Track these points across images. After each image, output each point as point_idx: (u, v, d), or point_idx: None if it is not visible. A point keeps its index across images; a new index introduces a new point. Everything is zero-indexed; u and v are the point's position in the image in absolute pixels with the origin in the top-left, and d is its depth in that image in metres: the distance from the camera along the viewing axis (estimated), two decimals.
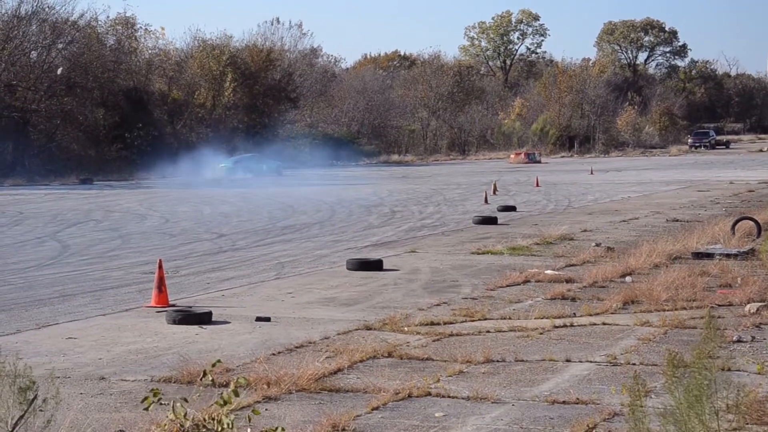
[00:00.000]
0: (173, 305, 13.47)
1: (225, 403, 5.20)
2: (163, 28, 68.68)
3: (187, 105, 67.82)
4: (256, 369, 9.50)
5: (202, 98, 69.04)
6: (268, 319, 12.48)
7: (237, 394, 5.26)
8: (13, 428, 5.62)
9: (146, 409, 5.45)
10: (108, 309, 13.61)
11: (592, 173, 52.00)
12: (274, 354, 10.48)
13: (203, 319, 12.34)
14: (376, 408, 8.35)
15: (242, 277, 16.64)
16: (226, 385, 5.39)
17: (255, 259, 19.33)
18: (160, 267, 13.71)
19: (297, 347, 10.83)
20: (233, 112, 70.25)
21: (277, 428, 5.34)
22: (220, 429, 5.15)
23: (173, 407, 5.32)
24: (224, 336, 11.58)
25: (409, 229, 25.09)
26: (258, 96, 71.77)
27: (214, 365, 5.88)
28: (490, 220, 25.70)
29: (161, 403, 5.41)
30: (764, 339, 10.88)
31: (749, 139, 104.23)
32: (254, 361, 9.97)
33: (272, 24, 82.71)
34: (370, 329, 11.82)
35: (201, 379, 5.68)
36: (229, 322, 12.40)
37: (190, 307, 13.26)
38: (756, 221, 20.43)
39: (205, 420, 5.21)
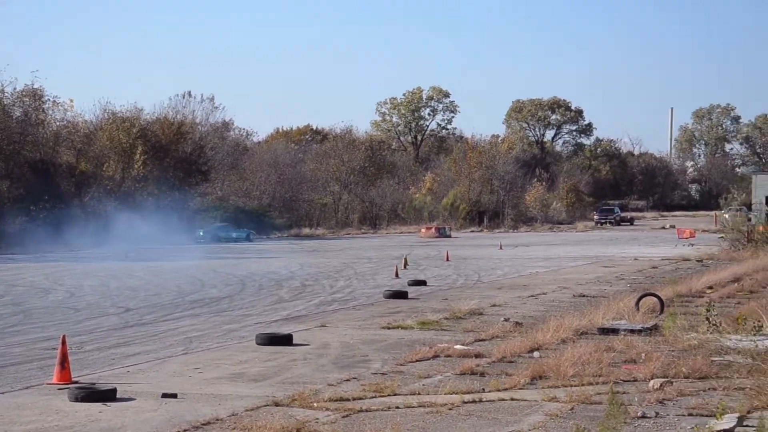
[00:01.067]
0: (76, 382, 13.13)
1: None
2: (71, 100, 68.23)
3: (96, 177, 66.99)
4: None
5: (111, 170, 68.30)
6: (174, 396, 12.24)
7: None
8: None
9: None
10: (7, 387, 13.21)
11: (501, 248, 52.63)
12: None
13: (107, 396, 12.05)
14: None
15: (149, 353, 16.33)
16: None
17: (162, 333, 19.01)
18: (64, 342, 13.39)
19: (204, 424, 10.64)
20: (143, 185, 69.58)
21: None
22: None
23: None
24: (129, 413, 11.31)
25: (319, 303, 24.99)
26: (168, 168, 71.29)
27: None
28: (401, 295, 25.76)
29: None
30: (668, 415, 11.04)
31: (652, 216, 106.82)
32: None
33: (184, 97, 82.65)
34: (279, 405, 11.69)
35: None
36: (134, 399, 12.13)
37: (94, 383, 12.94)
38: (659, 297, 20.85)
39: None
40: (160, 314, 22.60)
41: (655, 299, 20.76)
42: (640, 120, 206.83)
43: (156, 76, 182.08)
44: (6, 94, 64.97)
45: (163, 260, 44.64)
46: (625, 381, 12.98)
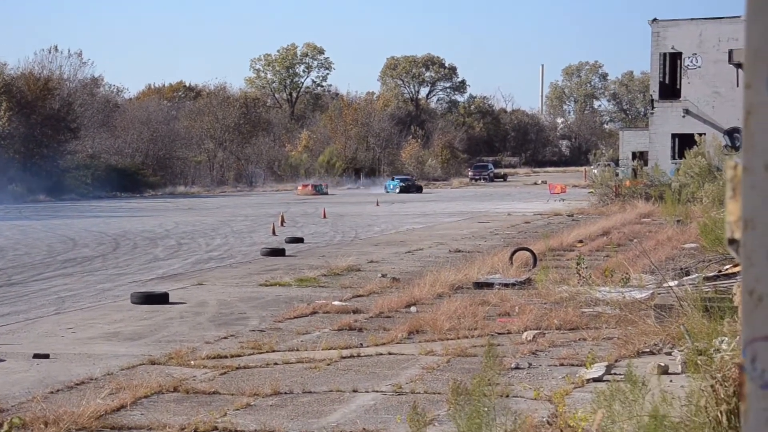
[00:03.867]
0: None
1: None
2: None
3: None
4: (32, 408, 9.08)
5: None
6: (46, 356, 11.97)
7: None
8: None
9: None
10: None
11: (378, 205, 52.93)
12: (52, 392, 10.06)
13: None
14: None
15: (18, 313, 15.91)
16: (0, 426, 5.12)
17: (32, 294, 18.52)
18: None
19: (78, 384, 10.45)
20: (8, 142, 67.35)
21: None
22: None
23: None
24: None
25: (196, 261, 24.73)
26: (35, 126, 69.14)
27: None
28: (278, 252, 25.69)
29: None
30: (540, 365, 11.35)
31: (525, 172, 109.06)
32: (31, 400, 9.54)
33: (50, 52, 79.92)
34: (156, 364, 11.55)
35: None
36: (4, 360, 11.82)
37: None
38: (532, 252, 21.33)
39: None
40: (29, 274, 22.01)
41: (528, 253, 21.24)
42: (513, 77, 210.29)
43: (20, 30, 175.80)
44: None
45: (32, 219, 43.41)
46: (499, 333, 13.26)
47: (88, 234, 33.77)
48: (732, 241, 1.93)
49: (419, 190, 75.90)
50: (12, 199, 60.97)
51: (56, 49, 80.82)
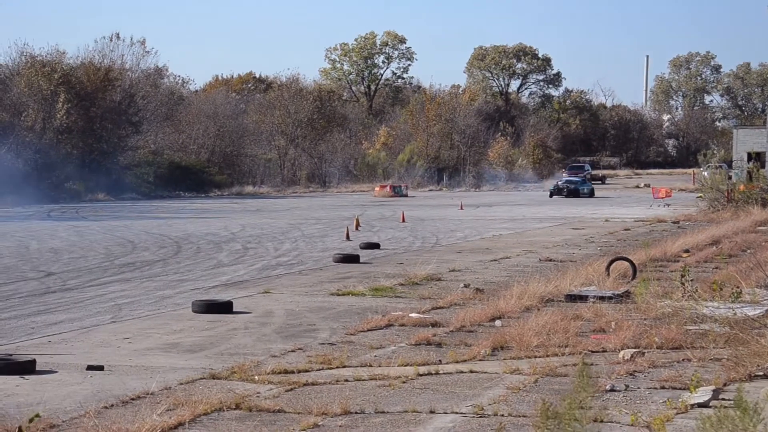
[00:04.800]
0: None
1: None
2: None
3: (13, 127, 66.01)
4: (84, 424, 9.24)
5: (31, 120, 67.34)
6: (101, 368, 12.17)
7: None
8: None
9: None
10: None
11: (461, 208, 52.84)
12: (106, 407, 10.22)
13: (25, 368, 11.95)
14: None
15: (73, 321, 16.22)
16: None
17: (88, 300, 18.87)
18: None
19: (133, 399, 10.60)
20: (66, 137, 68.78)
21: None
22: None
23: None
24: (49, 387, 11.24)
25: (263, 267, 24.95)
26: (95, 119, 70.50)
27: (32, 420, 5.69)
28: (352, 258, 25.78)
29: None
30: (638, 388, 11.18)
31: (626, 174, 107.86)
32: (83, 415, 9.71)
33: (111, 40, 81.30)
34: (217, 378, 11.67)
35: None
36: (56, 372, 12.05)
37: (11, 355, 12.82)
38: (631, 262, 21.07)
39: None
40: (85, 279, 22.43)
41: (626, 264, 20.97)
42: (613, 70, 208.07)
43: (80, 16, 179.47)
44: None
45: (90, 220, 44.27)
46: (593, 352, 13.12)
47: (148, 236, 34.30)
48: None
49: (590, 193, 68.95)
50: (69, 197, 62.34)
51: (118, 37, 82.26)
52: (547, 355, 12.80)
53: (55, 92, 67.79)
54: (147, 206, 57.19)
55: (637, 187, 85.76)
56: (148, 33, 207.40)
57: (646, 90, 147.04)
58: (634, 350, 12.84)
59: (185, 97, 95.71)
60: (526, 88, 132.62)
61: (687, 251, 26.40)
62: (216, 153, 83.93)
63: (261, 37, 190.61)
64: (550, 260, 25.69)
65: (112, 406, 10.30)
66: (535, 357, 12.71)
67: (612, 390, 11.00)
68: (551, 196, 67.84)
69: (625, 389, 11.07)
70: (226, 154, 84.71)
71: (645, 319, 15.33)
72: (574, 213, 48.79)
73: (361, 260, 25.83)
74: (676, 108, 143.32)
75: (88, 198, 63.65)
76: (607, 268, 20.49)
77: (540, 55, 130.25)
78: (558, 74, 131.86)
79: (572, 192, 67.77)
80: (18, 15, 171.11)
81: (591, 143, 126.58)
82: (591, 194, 68.46)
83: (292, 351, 13.45)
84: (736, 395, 6.89)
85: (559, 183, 71.18)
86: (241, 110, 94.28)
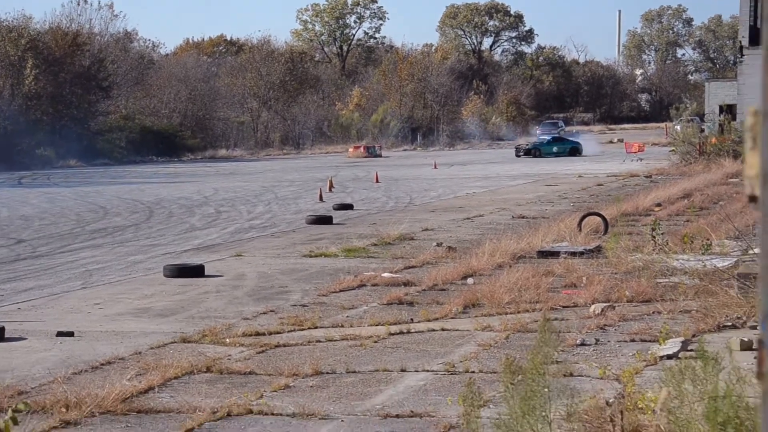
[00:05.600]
0: None
1: None
2: None
3: None
4: (54, 390, 9.22)
5: None
6: (71, 334, 12.14)
7: (15, 422, 5.04)
8: None
9: None
10: None
11: (435, 167, 52.81)
12: (76, 373, 10.20)
13: None
14: (191, 429, 8.24)
15: (42, 288, 16.15)
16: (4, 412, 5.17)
17: (58, 267, 18.79)
18: None
19: (103, 364, 10.57)
20: (36, 103, 68.18)
21: None
22: None
23: None
24: (18, 354, 11.20)
25: (235, 230, 24.89)
26: (64, 84, 69.86)
27: None
28: (325, 220, 25.75)
29: None
30: (608, 341, 11.24)
31: (599, 130, 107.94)
32: (52, 382, 9.68)
33: (78, 4, 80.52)
34: (188, 342, 11.65)
35: None
36: (26, 339, 12.01)
37: None
38: (603, 217, 21.14)
39: None
40: (56, 245, 22.32)
41: (598, 219, 21.05)
42: (586, 25, 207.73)
43: None
44: None
45: (61, 186, 44.00)
46: (564, 307, 13.18)
47: (120, 202, 34.14)
48: (753, 199, 1.84)
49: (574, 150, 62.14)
50: (40, 164, 61.86)
51: (85, 1, 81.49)
52: (519, 312, 12.85)
53: (22, 58, 67.09)
54: (119, 172, 56.86)
55: (611, 142, 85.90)
56: None
57: (618, 45, 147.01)
58: (605, 304, 12.90)
59: (156, 61, 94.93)
60: (498, 46, 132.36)
61: (659, 205, 26.50)
62: (188, 117, 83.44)
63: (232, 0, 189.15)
64: (523, 217, 25.74)
65: (82, 371, 10.27)
66: (507, 314, 12.76)
67: (582, 344, 11.05)
68: (517, 156, 62.90)
69: (596, 343, 11.13)
70: (198, 118, 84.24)
71: (616, 273, 15.40)
72: (548, 170, 48.83)
73: (334, 221, 25.80)
74: (649, 62, 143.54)
75: (59, 164, 63.17)
76: (579, 223, 20.55)
77: (512, 12, 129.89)
78: (530, 31, 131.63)
79: (528, 153, 62.39)
80: None
81: (564, 100, 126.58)
82: (571, 153, 62.22)
83: (264, 313, 13.44)
84: (698, 346, 6.93)
85: (529, 142, 66.86)
86: (212, 73, 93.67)
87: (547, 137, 67.80)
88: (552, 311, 12.54)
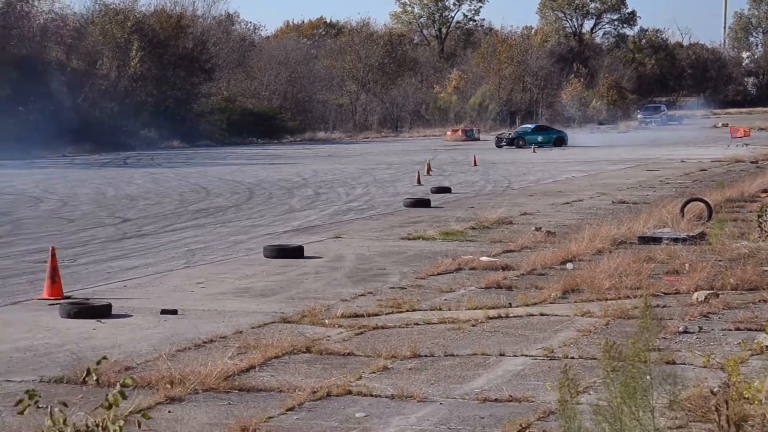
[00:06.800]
0: (68, 297, 13.27)
1: (111, 406, 5.10)
2: None
3: (89, 76, 66.82)
4: (158, 367, 9.39)
5: (106, 68, 68.10)
6: (174, 312, 12.36)
7: (124, 396, 5.17)
8: None
9: (21, 413, 5.35)
10: None
11: (534, 151, 52.46)
12: (179, 350, 10.38)
13: (102, 312, 12.18)
14: (291, 408, 8.31)
15: (148, 266, 16.46)
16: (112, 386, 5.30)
17: (163, 246, 19.14)
18: (53, 255, 13.49)
19: (205, 342, 10.74)
20: (141, 84, 69.44)
21: None
22: None
23: (50, 413, 5.21)
24: (125, 331, 11.44)
25: (334, 212, 25.06)
26: (168, 66, 71.01)
27: (99, 363, 5.77)
28: (423, 203, 25.77)
29: (39, 407, 5.30)
30: (712, 329, 11.05)
31: (703, 114, 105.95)
32: (157, 358, 9.86)
33: None
34: (288, 322, 11.77)
35: (85, 379, 5.56)
36: (131, 316, 12.26)
37: (88, 299, 13.08)
38: (707, 203, 20.76)
39: (88, 427, 5.10)
40: (160, 225, 22.74)
41: (702, 205, 20.68)
42: (690, 7, 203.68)
43: None
44: None
45: (165, 167, 44.78)
46: (666, 294, 12.98)
47: (221, 183, 34.62)
48: None
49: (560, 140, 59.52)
50: (145, 145, 63.08)
51: None
52: (619, 298, 12.70)
53: (128, 40, 68.36)
54: (220, 153, 57.65)
55: (715, 126, 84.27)
56: None
57: (724, 27, 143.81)
58: (708, 292, 12.68)
59: (257, 44, 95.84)
60: (600, 28, 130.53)
61: (765, 191, 25.93)
62: (288, 99, 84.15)
63: None
64: (624, 202, 25.43)
65: (185, 349, 10.45)
66: (607, 299, 12.62)
67: (685, 332, 10.89)
68: (497, 146, 59.07)
69: (699, 331, 10.95)
70: (297, 100, 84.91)
71: (720, 260, 15.12)
72: (650, 154, 48.15)
73: (432, 204, 25.80)
74: (756, 45, 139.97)
75: (162, 145, 64.31)
76: (682, 209, 20.21)
77: None
78: (633, 13, 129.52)
79: (511, 142, 59.11)
80: None
81: (668, 83, 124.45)
82: (556, 143, 59.06)
83: (362, 295, 13.51)
84: None
85: (509, 133, 62.90)
86: (312, 56, 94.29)
87: (531, 126, 64.33)
88: (653, 298, 12.36)
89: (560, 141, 59.81)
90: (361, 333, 11.16)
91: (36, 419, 6.59)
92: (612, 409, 5.54)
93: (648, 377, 6.00)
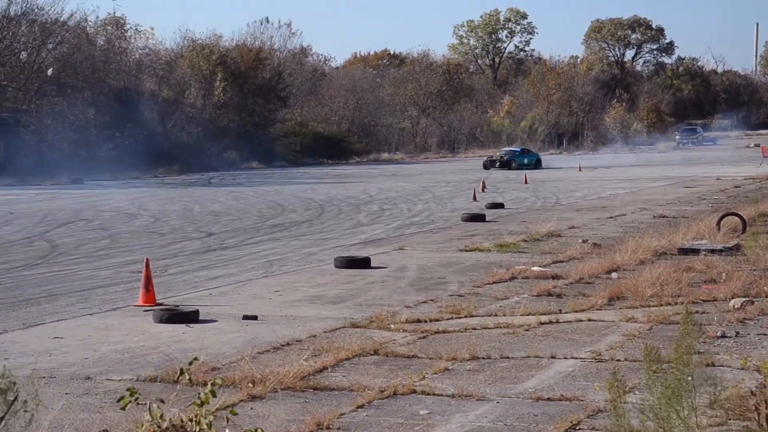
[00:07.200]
0: (160, 304, 13.40)
1: (203, 403, 5.15)
2: (152, 28, 69.19)
3: (178, 104, 67.63)
4: (241, 367, 9.44)
5: (193, 97, 68.86)
6: (254, 318, 12.42)
7: (214, 395, 5.20)
8: None
9: (123, 408, 5.41)
10: (95, 308, 13.55)
11: (580, 170, 52.00)
12: (260, 352, 10.43)
13: (190, 317, 12.28)
14: (361, 406, 8.31)
15: (230, 276, 16.57)
16: (208, 385, 5.33)
17: (243, 257, 19.26)
18: (147, 266, 13.64)
19: (283, 345, 10.78)
20: (223, 111, 70.07)
21: (257, 429, 5.29)
22: (198, 430, 5.10)
23: (149, 408, 5.26)
24: (211, 334, 11.52)
25: (397, 226, 25.05)
26: (248, 95, 71.57)
27: (191, 363, 5.82)
28: (479, 218, 25.67)
29: (138, 403, 5.36)
30: (748, 334, 10.86)
31: (736, 135, 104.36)
32: (240, 360, 9.92)
33: (261, 23, 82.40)
34: (357, 327, 11.78)
35: (178, 378, 5.61)
36: (216, 321, 12.34)
37: (178, 305, 13.19)
38: (741, 217, 20.43)
39: (183, 422, 5.15)
40: (241, 238, 22.89)
41: (737, 219, 20.36)
42: (724, 37, 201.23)
43: (234, 3, 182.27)
44: (89, 23, 65.87)
45: (245, 185, 45.12)
46: (704, 301, 12.80)
47: (295, 200, 34.79)
48: None
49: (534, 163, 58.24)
50: (227, 166, 63.57)
51: (267, 21, 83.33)
52: (661, 305, 12.54)
53: (213, 72, 69.03)
54: (294, 173, 57.95)
55: (747, 147, 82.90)
56: (294, 16, 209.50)
57: (756, 55, 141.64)
58: (744, 299, 12.47)
59: (327, 74, 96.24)
60: (640, 57, 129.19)
61: None
62: (355, 123, 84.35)
63: (395, 17, 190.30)
64: (664, 217, 25.11)
65: (265, 351, 10.50)
66: (650, 306, 12.46)
67: (723, 336, 10.71)
68: (485, 168, 57.09)
69: (736, 336, 10.77)
70: (363, 124, 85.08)
71: (754, 270, 14.87)
72: (687, 173, 47.50)
73: (487, 219, 25.68)
74: None
75: (242, 166, 64.77)
76: (718, 223, 19.92)
77: (653, 26, 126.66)
78: (671, 43, 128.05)
79: (505, 164, 57.52)
80: (182, 3, 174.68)
81: (703, 107, 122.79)
82: (536, 165, 58.09)
83: (424, 302, 13.47)
84: None
85: (496, 155, 61.38)
86: (377, 84, 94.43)
87: (518, 149, 63.55)
88: (693, 305, 12.17)
89: (539, 162, 59.56)
90: (424, 337, 11.14)
91: (134, 414, 6.65)
92: (657, 409, 5.46)
93: (690, 378, 5.91)
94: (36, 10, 60.04)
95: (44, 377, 9.29)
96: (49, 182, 49.40)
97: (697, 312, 11.70)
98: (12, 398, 5.49)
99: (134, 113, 61.76)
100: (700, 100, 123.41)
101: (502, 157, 59.96)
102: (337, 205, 32.27)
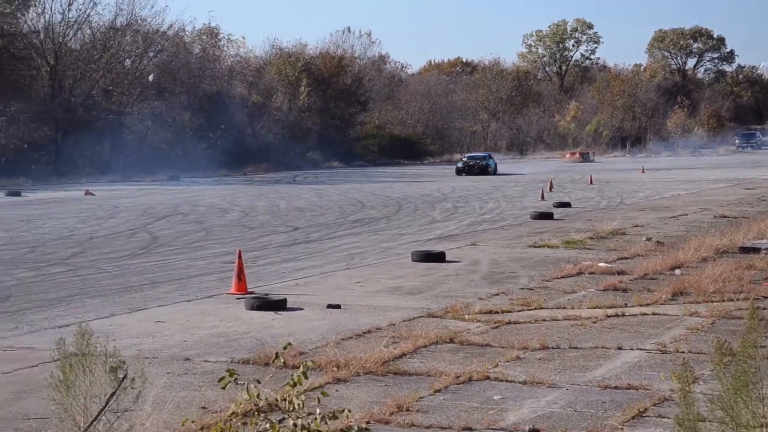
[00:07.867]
0: (251, 292, 13.54)
1: (295, 384, 5.19)
2: (243, 38, 69.85)
3: (266, 108, 68.33)
4: (326, 352, 9.49)
5: (279, 102, 69.51)
6: (338, 307, 12.48)
7: (306, 377, 5.24)
8: (106, 403, 5.70)
9: (223, 388, 5.48)
10: (192, 295, 13.75)
11: (643, 172, 51.23)
12: (343, 339, 10.47)
13: (279, 305, 12.38)
14: (438, 390, 8.29)
15: (314, 267, 16.67)
16: (298, 368, 5.38)
17: (326, 250, 19.37)
18: (240, 257, 13.79)
19: (365, 333, 10.81)
20: (307, 115, 70.61)
21: (344, 410, 5.31)
22: (291, 409, 5.14)
23: (247, 388, 5.32)
24: (298, 321, 11.61)
25: (470, 223, 24.95)
26: (330, 99, 72.02)
27: (285, 348, 5.88)
28: (547, 216, 25.44)
29: (237, 383, 5.42)
30: None
31: None
32: (325, 345, 9.97)
33: (343, 33, 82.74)
34: (433, 317, 11.76)
35: (273, 361, 5.66)
36: (303, 309, 12.43)
37: (267, 294, 13.32)
38: None
39: (277, 400, 5.20)
40: (324, 233, 23.02)
41: None
42: None
43: (318, 13, 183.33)
44: (187, 33, 66.92)
45: (327, 183, 45.40)
46: (765, 297, 12.50)
47: (374, 197, 34.87)
48: None
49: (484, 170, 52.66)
50: (310, 165, 64.09)
51: (349, 30, 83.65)
52: (723, 300, 12.28)
53: (298, 78, 69.62)
54: (373, 172, 58.10)
55: None
56: (374, 26, 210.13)
57: None
58: None
59: (403, 80, 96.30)
60: (701, 65, 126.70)
61: None
62: (429, 126, 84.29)
63: (467, 27, 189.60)
64: (725, 217, 24.59)
65: (348, 338, 10.54)
66: (712, 302, 12.21)
67: None
68: (458, 174, 52.28)
69: None
70: (437, 128, 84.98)
71: None
72: (747, 175, 46.47)
73: (555, 217, 25.44)
74: None
75: (324, 165, 65.21)
76: None
77: (715, 36, 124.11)
78: (731, 52, 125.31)
79: (482, 169, 52.76)
80: (271, 15, 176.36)
81: (762, 113, 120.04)
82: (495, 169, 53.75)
83: (496, 294, 13.40)
84: None
85: (463, 161, 55.54)
86: (450, 90, 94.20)
87: (485, 154, 58.84)
88: (755, 300, 11.90)
89: (495, 166, 54.72)
90: (496, 327, 11.07)
91: (230, 393, 6.73)
92: (725, 399, 5.35)
93: (755, 371, 5.78)
94: (139, 21, 61.31)
95: (148, 357, 9.45)
96: (148, 179, 50.34)
97: (758, 308, 11.42)
98: (122, 376, 5.60)
99: (226, 116, 62.57)
100: (759, 106, 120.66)
101: (479, 162, 54.30)
102: (413, 202, 32.26)
